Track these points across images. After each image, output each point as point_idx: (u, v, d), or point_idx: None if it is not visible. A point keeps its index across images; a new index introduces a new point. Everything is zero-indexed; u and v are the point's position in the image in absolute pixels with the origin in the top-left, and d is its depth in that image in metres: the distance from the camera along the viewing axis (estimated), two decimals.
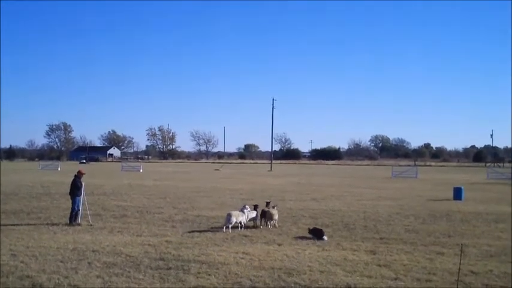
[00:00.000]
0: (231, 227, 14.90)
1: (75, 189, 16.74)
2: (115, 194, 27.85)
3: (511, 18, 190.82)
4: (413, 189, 33.86)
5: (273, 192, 30.02)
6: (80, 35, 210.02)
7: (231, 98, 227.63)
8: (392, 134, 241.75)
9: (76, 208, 16.50)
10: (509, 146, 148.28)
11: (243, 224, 15.40)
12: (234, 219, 15.00)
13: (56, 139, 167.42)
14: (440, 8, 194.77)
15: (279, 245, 12.83)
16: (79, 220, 16.38)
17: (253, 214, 16.05)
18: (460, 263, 8.39)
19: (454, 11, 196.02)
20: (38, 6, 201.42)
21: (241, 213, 15.55)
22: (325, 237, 13.60)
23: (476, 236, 14.64)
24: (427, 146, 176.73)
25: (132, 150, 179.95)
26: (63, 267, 10.23)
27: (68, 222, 16.29)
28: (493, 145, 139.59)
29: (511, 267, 10.48)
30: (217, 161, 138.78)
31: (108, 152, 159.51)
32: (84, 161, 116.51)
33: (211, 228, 15.64)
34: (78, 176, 17.14)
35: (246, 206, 16.08)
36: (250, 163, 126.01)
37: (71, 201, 16.75)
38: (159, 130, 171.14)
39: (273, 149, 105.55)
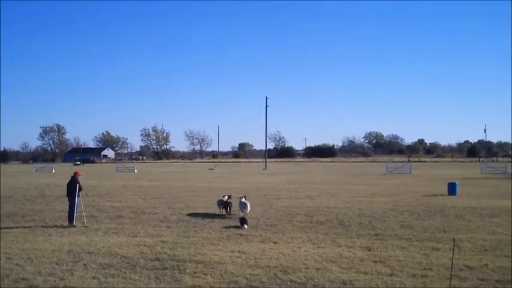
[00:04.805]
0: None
1: (72, 190, 16.76)
2: (110, 195, 27.76)
3: (511, 17, 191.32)
4: (408, 185, 33.97)
5: (267, 190, 30.02)
6: (72, 35, 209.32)
7: (224, 97, 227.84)
8: (386, 130, 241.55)
9: (73, 209, 16.50)
10: (503, 140, 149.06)
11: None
12: (248, 207, 17.31)
13: (50, 141, 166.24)
14: (431, 5, 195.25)
15: (275, 243, 12.86)
16: (74, 222, 16.35)
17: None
18: (452, 258, 8.42)
19: (445, 8, 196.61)
20: (27, 7, 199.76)
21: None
22: (245, 226, 15.19)
23: (471, 230, 14.72)
24: (421, 141, 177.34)
25: (126, 151, 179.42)
26: (58, 269, 10.22)
27: (68, 223, 16.34)
28: (487, 140, 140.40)
29: (511, 261, 10.55)
30: (212, 160, 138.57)
31: (102, 153, 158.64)
32: (79, 162, 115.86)
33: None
34: (75, 177, 17.14)
35: (242, 196, 18.17)
36: (245, 162, 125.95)
37: (68, 202, 16.80)
38: (153, 130, 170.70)
39: (267, 148, 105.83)
